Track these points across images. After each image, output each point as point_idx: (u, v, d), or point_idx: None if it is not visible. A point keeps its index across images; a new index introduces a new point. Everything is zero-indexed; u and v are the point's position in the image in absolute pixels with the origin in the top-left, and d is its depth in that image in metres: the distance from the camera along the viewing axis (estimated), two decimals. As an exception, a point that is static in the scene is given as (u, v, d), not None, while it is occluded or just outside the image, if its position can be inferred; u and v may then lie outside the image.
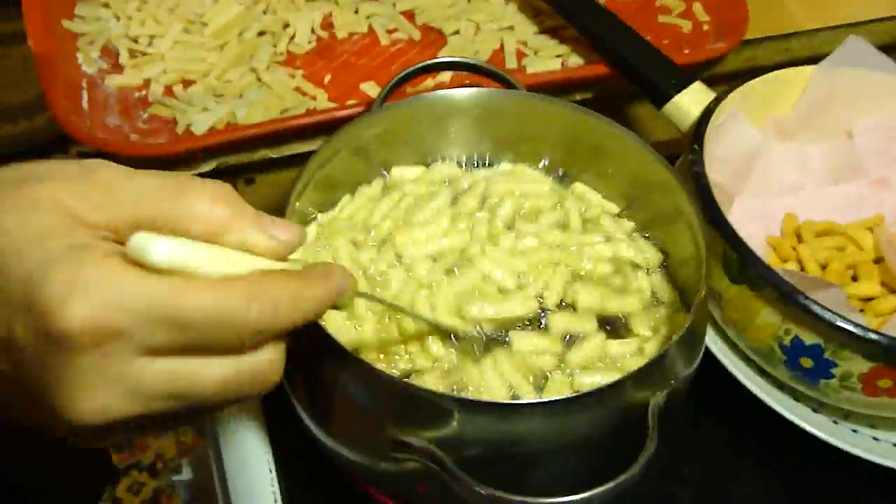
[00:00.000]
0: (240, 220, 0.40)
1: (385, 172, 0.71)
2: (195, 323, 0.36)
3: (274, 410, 0.70)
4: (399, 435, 0.52)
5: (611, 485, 0.49)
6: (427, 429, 0.52)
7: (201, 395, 0.38)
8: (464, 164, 0.73)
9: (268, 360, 0.41)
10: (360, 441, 0.57)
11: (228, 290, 0.37)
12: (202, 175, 0.77)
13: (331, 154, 0.64)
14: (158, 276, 0.36)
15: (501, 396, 0.58)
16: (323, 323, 0.56)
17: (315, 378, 0.57)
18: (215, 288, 0.37)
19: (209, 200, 0.40)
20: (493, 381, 0.59)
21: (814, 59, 0.79)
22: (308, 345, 0.57)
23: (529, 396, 0.59)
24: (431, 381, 0.58)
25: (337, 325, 0.61)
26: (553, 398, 0.51)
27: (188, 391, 0.38)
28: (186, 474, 0.81)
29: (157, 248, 0.36)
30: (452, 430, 0.51)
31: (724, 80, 0.90)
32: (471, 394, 0.58)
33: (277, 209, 0.83)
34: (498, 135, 0.71)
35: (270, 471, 0.68)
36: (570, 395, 0.51)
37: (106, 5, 0.92)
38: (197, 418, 0.43)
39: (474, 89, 0.67)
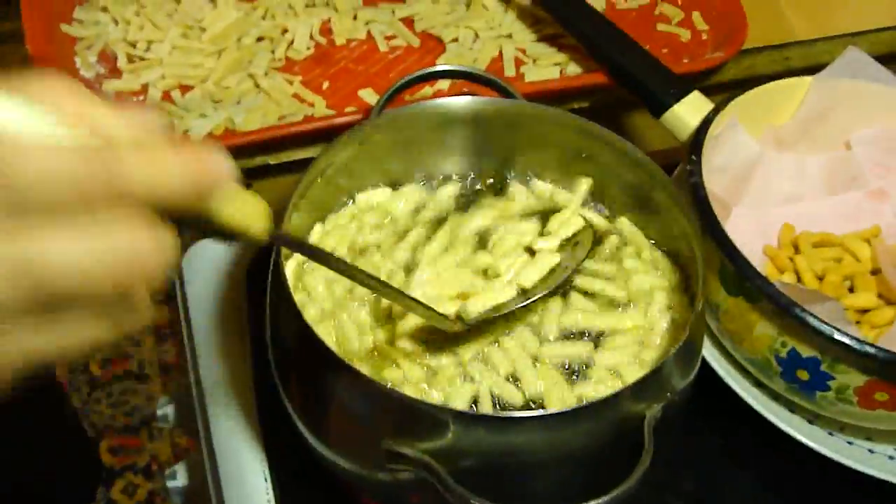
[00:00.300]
0: (91, 103, 0.34)
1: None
2: (31, 183, 0.30)
3: (269, 418, 0.70)
4: (394, 446, 0.52)
5: (606, 498, 0.48)
6: (422, 440, 0.51)
7: (52, 273, 0.31)
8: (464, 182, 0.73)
9: (129, 236, 0.32)
10: (355, 451, 0.56)
11: (66, 147, 0.31)
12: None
13: (328, 163, 0.64)
14: None
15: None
16: (318, 332, 0.56)
17: (310, 388, 0.57)
18: (51, 147, 0.31)
19: (48, 86, 0.33)
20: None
21: (811, 69, 0.79)
22: (303, 354, 0.57)
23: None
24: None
25: (333, 336, 0.61)
26: (549, 411, 0.51)
27: (35, 269, 0.31)
28: (181, 480, 0.81)
29: None
30: (448, 441, 0.51)
31: (722, 90, 0.91)
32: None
33: (275, 215, 0.83)
34: (496, 145, 0.70)
35: (265, 479, 0.68)
36: (565, 409, 0.51)
37: (104, 10, 0.92)
38: (83, 320, 0.33)
39: (473, 98, 0.67)
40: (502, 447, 0.52)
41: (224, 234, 0.38)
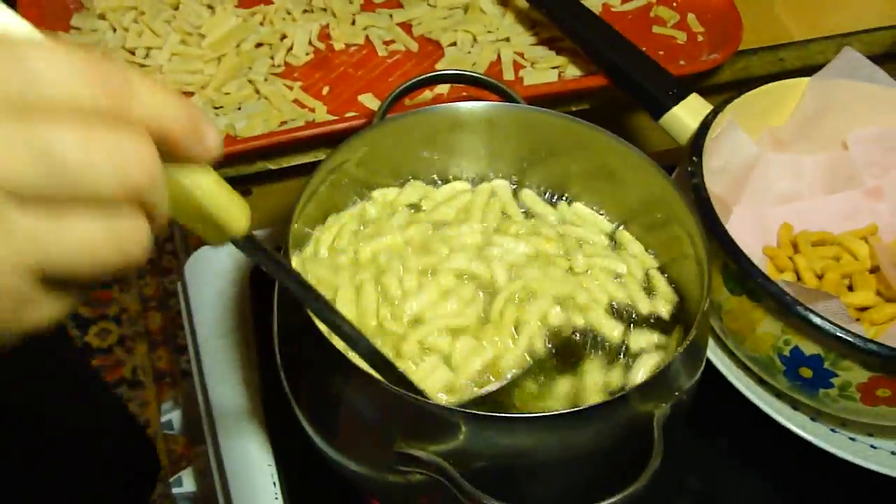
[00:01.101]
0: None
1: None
2: (43, 75, 0.31)
3: (277, 421, 0.70)
4: (406, 448, 0.52)
5: (618, 497, 0.49)
6: (434, 442, 0.52)
7: (61, 153, 0.31)
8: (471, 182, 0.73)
9: (132, 139, 0.32)
10: (366, 454, 0.57)
11: (82, 54, 0.31)
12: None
13: (334, 168, 0.65)
14: None
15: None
16: (328, 334, 0.56)
17: (320, 390, 0.57)
18: (67, 50, 0.31)
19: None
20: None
21: (806, 69, 0.80)
22: (313, 356, 0.57)
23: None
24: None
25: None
26: (560, 412, 0.52)
27: (56, 153, 0.31)
28: (188, 486, 0.81)
29: None
30: (459, 443, 0.52)
31: (718, 91, 0.91)
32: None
33: (275, 221, 0.83)
34: (506, 151, 0.71)
35: (274, 483, 0.68)
36: (576, 409, 0.52)
37: (102, 17, 0.92)
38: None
39: (478, 102, 0.67)
40: (514, 448, 0.52)
41: (201, 217, 0.37)
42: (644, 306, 0.65)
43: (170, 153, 0.34)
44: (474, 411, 0.55)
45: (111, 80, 0.32)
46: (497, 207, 0.71)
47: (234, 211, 0.38)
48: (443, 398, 0.59)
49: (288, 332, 0.60)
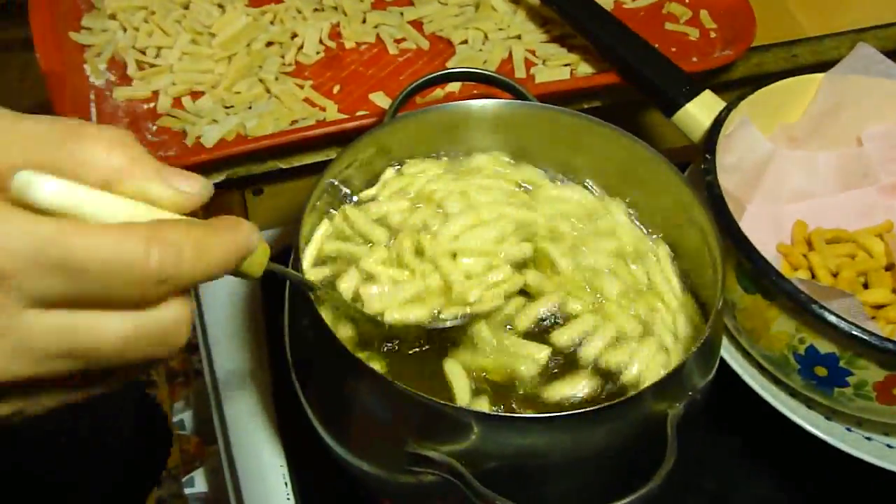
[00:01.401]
0: (140, 168, 0.36)
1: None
2: (89, 269, 0.32)
3: (289, 422, 0.70)
4: (418, 449, 0.52)
5: (632, 497, 0.48)
6: (446, 442, 0.51)
7: (100, 352, 0.35)
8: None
9: (172, 318, 0.36)
10: (378, 454, 0.56)
11: (127, 233, 0.33)
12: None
13: (344, 167, 0.64)
14: (48, 218, 0.32)
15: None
16: (338, 334, 0.56)
17: (331, 391, 0.57)
18: (112, 231, 0.33)
19: (105, 146, 0.36)
20: None
21: (820, 66, 0.79)
22: (323, 358, 0.57)
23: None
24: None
25: (351, 331, 0.60)
26: (574, 412, 0.51)
27: (85, 348, 0.34)
28: (199, 486, 0.80)
29: (44, 184, 0.32)
30: (471, 443, 0.51)
31: (731, 88, 0.91)
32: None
33: (287, 220, 0.83)
34: (512, 148, 0.70)
35: (286, 483, 0.68)
36: (589, 409, 0.51)
37: (113, 16, 0.92)
38: (105, 381, 0.38)
39: (494, 101, 0.67)
40: (527, 448, 0.52)
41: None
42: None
43: None
44: (487, 411, 0.55)
45: (160, 268, 0.34)
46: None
47: (254, 265, 0.42)
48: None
49: (298, 333, 0.60)
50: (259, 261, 0.42)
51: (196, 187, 0.38)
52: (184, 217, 0.38)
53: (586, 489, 0.54)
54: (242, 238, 0.39)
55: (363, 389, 0.54)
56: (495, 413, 0.55)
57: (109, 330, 0.34)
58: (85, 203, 0.34)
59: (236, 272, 0.41)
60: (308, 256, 0.63)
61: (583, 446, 0.53)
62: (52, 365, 0.34)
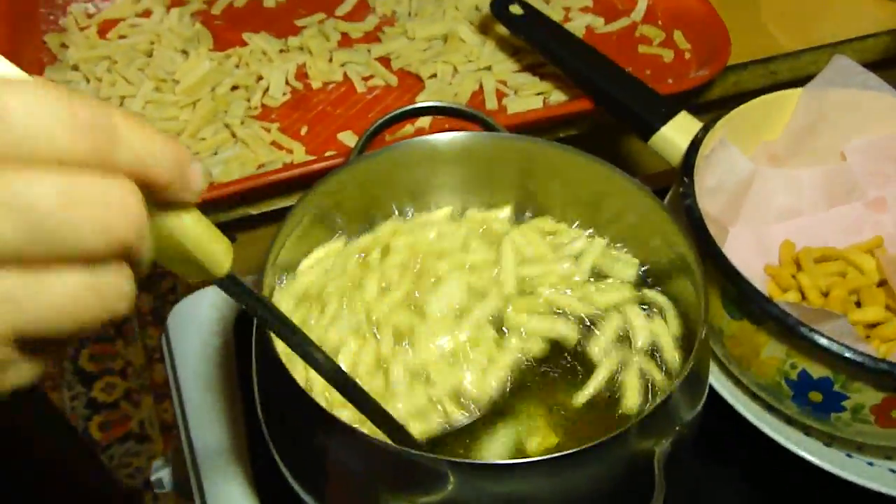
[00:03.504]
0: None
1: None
2: (23, 119, 0.28)
3: (263, 475, 0.68)
4: (392, 501, 0.49)
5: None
6: (420, 493, 0.49)
7: (40, 206, 0.29)
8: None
9: (117, 188, 0.30)
10: (353, 508, 0.54)
11: (62, 93, 0.29)
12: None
13: (303, 214, 0.62)
14: None
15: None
16: (307, 387, 0.54)
17: (301, 444, 0.55)
18: (47, 89, 0.29)
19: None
20: None
21: (799, 81, 0.78)
22: (294, 410, 0.54)
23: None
24: None
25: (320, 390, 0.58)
26: (554, 455, 0.49)
27: (21, 200, 0.29)
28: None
29: None
30: (448, 493, 0.49)
31: (710, 108, 0.89)
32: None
33: (262, 267, 0.81)
34: (483, 182, 0.68)
35: (263, 541, 0.65)
36: (571, 451, 0.48)
37: (76, 68, 0.90)
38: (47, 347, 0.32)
39: (455, 133, 0.65)
40: (507, 496, 0.49)
41: (184, 258, 0.36)
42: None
43: (154, 196, 0.32)
44: (462, 460, 0.52)
45: (94, 124, 0.29)
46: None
47: (217, 252, 0.36)
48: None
49: (268, 387, 0.57)
50: (219, 248, 0.36)
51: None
52: None
53: (574, 535, 0.52)
54: (186, 155, 0.33)
55: (333, 442, 0.52)
56: (471, 462, 0.53)
57: (46, 182, 0.29)
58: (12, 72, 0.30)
59: (197, 258, 0.36)
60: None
61: (566, 490, 0.50)
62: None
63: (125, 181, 0.30)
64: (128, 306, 0.32)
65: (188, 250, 0.35)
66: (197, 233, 0.35)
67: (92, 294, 0.30)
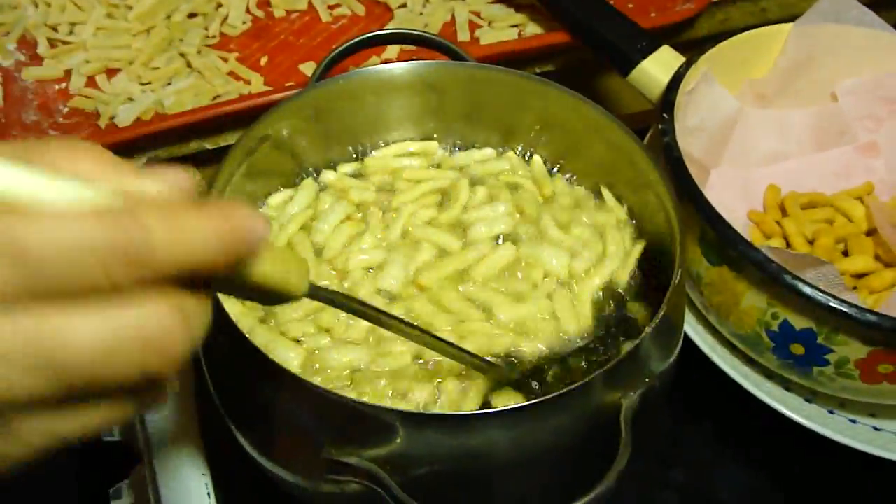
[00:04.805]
0: (115, 169, 0.31)
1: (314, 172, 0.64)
2: (45, 258, 0.28)
3: (211, 431, 0.64)
4: (336, 454, 0.46)
5: (582, 501, 0.43)
6: (368, 447, 0.46)
7: (75, 359, 0.29)
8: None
9: (156, 315, 0.30)
10: (297, 462, 0.51)
11: (86, 215, 0.28)
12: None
13: (254, 143, 0.58)
14: None
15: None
16: (248, 334, 0.50)
17: (245, 395, 0.52)
18: (69, 216, 0.28)
19: (68, 151, 0.31)
20: None
21: (790, 20, 0.74)
22: (235, 359, 0.51)
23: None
24: None
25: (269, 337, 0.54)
26: (510, 406, 0.45)
27: (56, 355, 0.28)
28: (126, 499, 0.74)
29: None
30: (397, 446, 0.45)
31: (696, 46, 0.84)
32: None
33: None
34: (446, 113, 0.64)
35: (208, 494, 0.61)
36: (528, 403, 0.45)
37: (24, -8, 0.84)
38: (102, 406, 0.31)
39: (415, 62, 0.61)
40: (459, 451, 0.46)
41: (259, 294, 0.35)
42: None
43: (219, 272, 0.31)
44: (412, 410, 0.48)
45: (127, 242, 0.28)
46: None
47: (293, 279, 0.36)
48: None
49: (211, 338, 0.53)
50: (291, 273, 0.36)
51: (177, 175, 0.32)
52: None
53: (530, 493, 0.48)
54: (238, 220, 0.31)
55: (275, 390, 0.49)
56: (421, 412, 0.49)
57: (81, 330, 0.28)
58: (33, 186, 0.28)
59: (271, 293, 0.35)
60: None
61: (524, 446, 0.46)
62: (17, 380, 0.28)
63: (161, 305, 0.30)
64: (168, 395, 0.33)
65: (269, 289, 0.35)
66: (274, 274, 0.35)
67: (119, 418, 0.31)
